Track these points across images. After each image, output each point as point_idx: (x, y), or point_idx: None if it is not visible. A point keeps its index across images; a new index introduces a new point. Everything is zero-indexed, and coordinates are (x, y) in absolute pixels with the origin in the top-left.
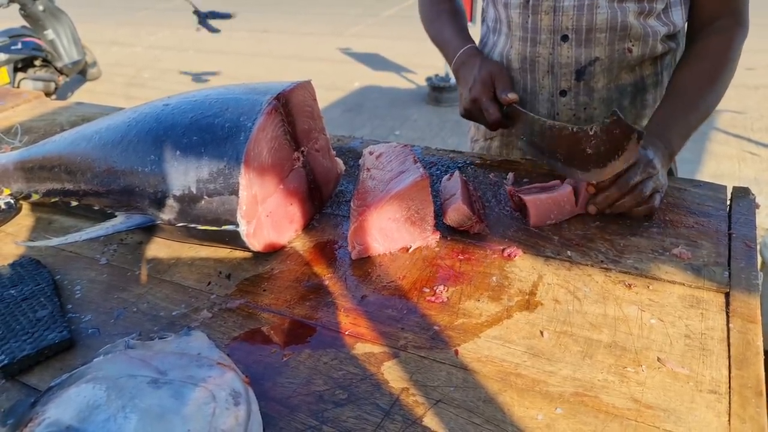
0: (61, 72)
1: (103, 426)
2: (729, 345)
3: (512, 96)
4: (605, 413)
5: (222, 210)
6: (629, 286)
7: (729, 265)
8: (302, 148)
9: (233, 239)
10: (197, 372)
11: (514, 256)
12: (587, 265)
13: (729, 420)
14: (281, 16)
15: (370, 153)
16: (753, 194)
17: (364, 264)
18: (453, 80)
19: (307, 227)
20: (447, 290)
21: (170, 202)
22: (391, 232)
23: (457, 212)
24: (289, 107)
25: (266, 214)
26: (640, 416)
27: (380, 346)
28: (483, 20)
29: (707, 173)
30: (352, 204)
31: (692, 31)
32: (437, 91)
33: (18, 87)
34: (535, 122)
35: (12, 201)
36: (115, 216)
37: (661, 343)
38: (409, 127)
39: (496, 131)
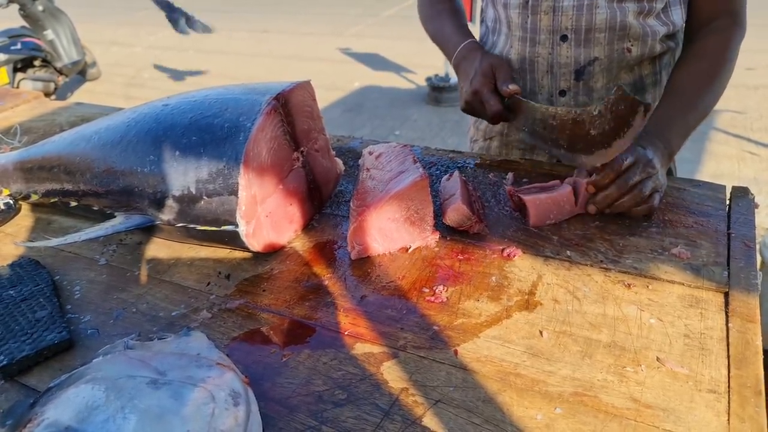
0: (60, 72)
1: (102, 426)
2: (728, 344)
3: (513, 87)
4: (604, 413)
5: (221, 210)
6: (628, 285)
7: (728, 264)
8: (302, 149)
9: (233, 239)
10: (196, 372)
11: (514, 256)
12: (587, 264)
13: (728, 419)
14: (281, 16)
15: (370, 153)
16: (752, 194)
17: (363, 264)
18: (453, 80)
19: (307, 227)
20: (446, 290)
21: (169, 202)
22: (390, 232)
23: (456, 212)
24: (289, 107)
25: (266, 214)
26: (639, 416)
27: (380, 346)
28: (482, 20)
29: (707, 173)
30: (351, 204)
31: (690, 31)
32: (437, 91)
33: (17, 87)
34: (536, 110)
35: (11, 201)
36: (115, 216)
37: (661, 342)
38: (409, 127)
39: (495, 132)
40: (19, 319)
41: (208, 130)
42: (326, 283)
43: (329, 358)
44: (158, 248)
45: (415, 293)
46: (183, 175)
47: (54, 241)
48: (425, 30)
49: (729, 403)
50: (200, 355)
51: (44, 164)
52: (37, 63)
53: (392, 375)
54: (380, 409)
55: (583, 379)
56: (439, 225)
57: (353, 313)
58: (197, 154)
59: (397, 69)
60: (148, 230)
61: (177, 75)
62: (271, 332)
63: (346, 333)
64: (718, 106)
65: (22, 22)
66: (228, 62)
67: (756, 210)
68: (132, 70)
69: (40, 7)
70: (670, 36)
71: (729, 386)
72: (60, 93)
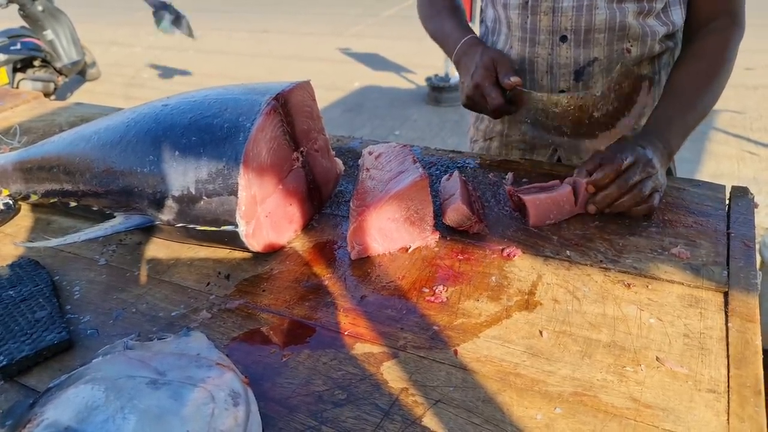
0: (60, 72)
1: (101, 427)
2: (728, 344)
3: (515, 79)
4: (604, 413)
5: (221, 210)
6: (628, 285)
7: (728, 264)
8: (301, 149)
9: (232, 240)
10: (196, 372)
11: (514, 255)
12: (586, 264)
13: (728, 419)
14: (281, 16)
15: (370, 153)
16: (751, 194)
17: (363, 264)
18: (453, 80)
19: (307, 227)
20: (446, 290)
21: (169, 202)
22: (390, 232)
23: (456, 212)
24: (288, 107)
25: (265, 214)
26: (639, 415)
27: (379, 346)
28: (482, 20)
29: (707, 173)
30: (351, 204)
31: (689, 32)
32: (437, 91)
33: (17, 87)
34: (539, 100)
35: (11, 202)
36: (114, 216)
37: (660, 342)
38: (409, 127)
39: (495, 133)
40: (18, 319)
41: (207, 131)
42: (326, 283)
43: (329, 358)
44: (158, 248)
45: (414, 293)
46: (182, 176)
47: (53, 242)
48: (425, 29)
49: (728, 402)
50: (200, 356)
51: (44, 164)
52: (36, 63)
53: (392, 375)
54: (380, 409)
55: (582, 378)
56: (439, 225)
57: (353, 313)
58: (197, 154)
59: (397, 69)
60: (148, 230)
61: (177, 75)
62: (271, 332)
63: (346, 333)
64: (718, 106)
65: (22, 22)
66: (228, 62)
67: (755, 210)
68: (131, 70)
69: (40, 7)
70: (669, 36)
71: (728, 386)
72: (59, 93)
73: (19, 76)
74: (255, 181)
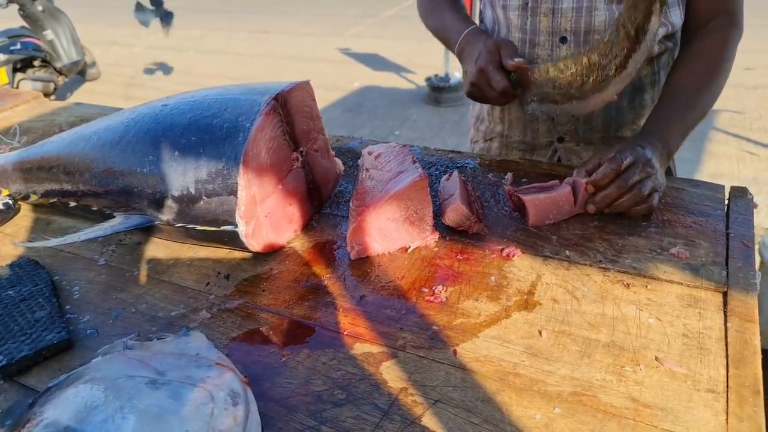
0: (60, 72)
1: (101, 426)
2: (727, 344)
3: (518, 60)
4: (603, 412)
5: (221, 210)
6: (627, 285)
7: (727, 264)
8: (301, 149)
9: (232, 240)
10: (196, 372)
11: (513, 255)
12: (586, 264)
13: (726, 419)
14: (281, 16)
15: (369, 153)
16: (750, 194)
17: (362, 264)
18: (453, 80)
19: (306, 227)
20: (446, 290)
21: (169, 202)
22: (389, 232)
23: (455, 212)
24: (288, 107)
25: (265, 214)
26: (638, 415)
27: (379, 346)
28: (481, 21)
29: (706, 173)
30: (351, 204)
31: (688, 32)
32: (437, 91)
33: (17, 87)
34: (545, 70)
35: (10, 202)
36: (114, 216)
37: (659, 342)
38: (409, 127)
39: (495, 134)
40: (18, 319)
41: (207, 131)
42: (325, 283)
43: (328, 358)
44: (157, 248)
45: (414, 293)
46: (182, 176)
47: (53, 242)
48: (426, 25)
49: (727, 402)
50: (199, 355)
51: (43, 164)
52: (36, 63)
53: (391, 375)
54: (379, 409)
55: (581, 378)
56: (439, 225)
57: (352, 313)
58: (196, 154)
59: (397, 69)
60: (148, 230)
61: (176, 75)
62: (271, 332)
63: (345, 333)
64: (717, 106)
65: (22, 22)
66: (228, 62)
67: (755, 210)
68: (131, 71)
69: (40, 7)
70: (668, 36)
71: (727, 386)
72: (59, 93)
73: (19, 76)
74: (254, 181)
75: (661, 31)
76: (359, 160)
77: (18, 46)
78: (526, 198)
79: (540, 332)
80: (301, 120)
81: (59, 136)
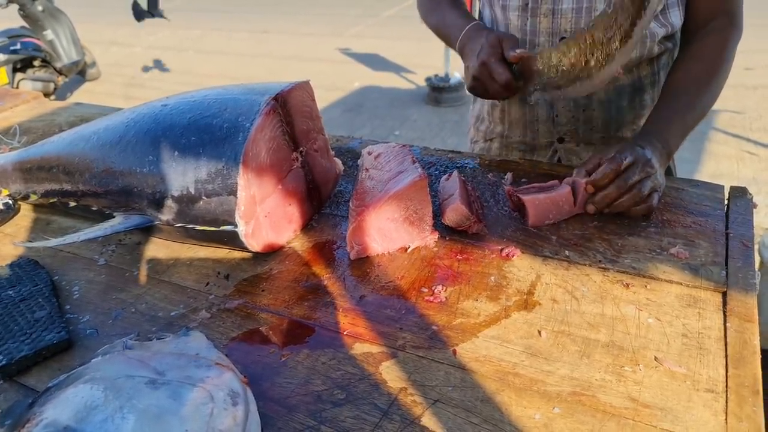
0: (60, 72)
1: (100, 426)
2: (726, 344)
3: (520, 51)
4: (603, 412)
5: (220, 210)
6: (627, 285)
7: (726, 264)
8: (301, 149)
9: (232, 240)
10: (195, 372)
11: (513, 255)
12: (585, 264)
13: (726, 419)
14: (281, 16)
15: (369, 153)
16: (750, 194)
17: (362, 264)
18: (453, 80)
19: (306, 227)
20: (445, 290)
21: (169, 202)
22: (389, 232)
23: (455, 212)
24: (288, 107)
25: (265, 214)
26: (637, 415)
27: (378, 346)
28: (480, 19)
29: (706, 173)
30: (350, 204)
31: (688, 33)
32: (437, 91)
33: (17, 87)
34: (548, 55)
35: (10, 202)
36: (114, 216)
37: (659, 342)
38: (409, 127)
39: (495, 134)
40: (18, 319)
41: (207, 131)
42: (325, 283)
43: (328, 357)
44: (157, 248)
45: (413, 293)
46: (182, 176)
47: (53, 242)
48: (426, 23)
49: (726, 402)
50: (199, 355)
51: (43, 164)
52: (36, 63)
53: (391, 375)
54: (379, 409)
55: (581, 378)
56: (438, 225)
57: (352, 313)
58: (196, 154)
59: (397, 69)
60: (147, 230)
61: (176, 75)
62: (270, 332)
63: (345, 333)
64: (717, 106)
65: (22, 22)
66: (228, 62)
67: (755, 210)
68: (131, 71)
69: (40, 7)
70: (668, 37)
71: (727, 386)
72: (59, 93)
73: (19, 76)
74: (254, 181)
75: (661, 32)
76: (359, 160)
77: (18, 46)
78: (526, 198)
79: (539, 332)
80: (301, 120)
81: (59, 136)
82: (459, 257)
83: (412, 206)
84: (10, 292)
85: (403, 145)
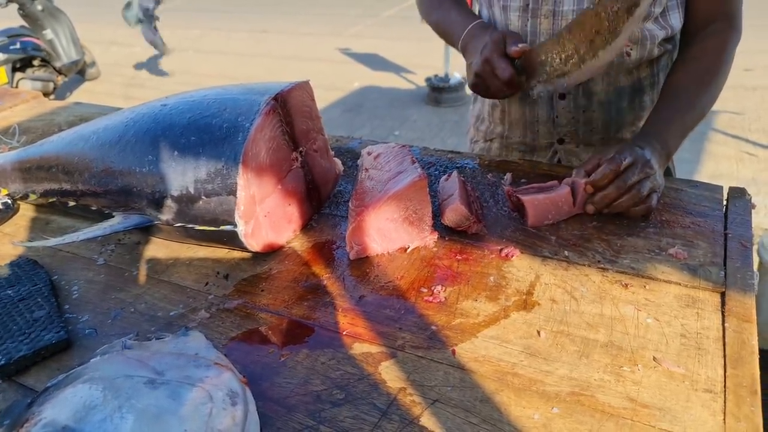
0: (59, 72)
1: (99, 426)
2: (724, 344)
3: (522, 45)
4: (601, 412)
5: (220, 210)
6: (626, 285)
7: (725, 264)
8: (300, 149)
9: (231, 239)
10: (194, 372)
11: (512, 256)
12: (584, 265)
13: (724, 419)
14: (281, 16)
15: (369, 153)
16: (749, 194)
17: (362, 264)
18: (453, 81)
19: (306, 227)
20: (444, 290)
21: (168, 202)
22: (389, 233)
23: (454, 212)
24: (288, 107)
25: (264, 214)
26: (636, 415)
27: (378, 346)
28: None
29: (706, 174)
30: (350, 204)
31: (687, 34)
32: (437, 91)
33: (16, 87)
34: (549, 43)
35: (9, 201)
36: (113, 216)
37: (657, 342)
38: (409, 127)
39: (495, 134)
40: (17, 318)
41: (206, 130)
42: (325, 283)
43: (327, 357)
44: (157, 248)
45: (413, 293)
46: (181, 175)
47: (52, 241)
48: (427, 21)
49: (725, 402)
50: (198, 355)
51: (43, 164)
52: (36, 63)
53: (390, 375)
54: (378, 409)
55: (580, 378)
56: (438, 225)
57: (351, 313)
58: (196, 154)
59: (397, 69)
60: (147, 230)
61: (176, 75)
62: (270, 332)
63: (344, 333)
64: (717, 106)
65: (22, 22)
66: (227, 62)
67: (754, 210)
68: (131, 70)
69: (40, 7)
70: (667, 39)
71: (725, 386)
72: (59, 93)
73: (18, 75)
74: (254, 180)
75: (661, 34)
76: (358, 161)
77: (17, 46)
78: (525, 198)
79: (538, 332)
80: (301, 120)
81: (58, 136)
82: (458, 257)
83: (412, 206)
84: (9, 292)
85: (403, 146)
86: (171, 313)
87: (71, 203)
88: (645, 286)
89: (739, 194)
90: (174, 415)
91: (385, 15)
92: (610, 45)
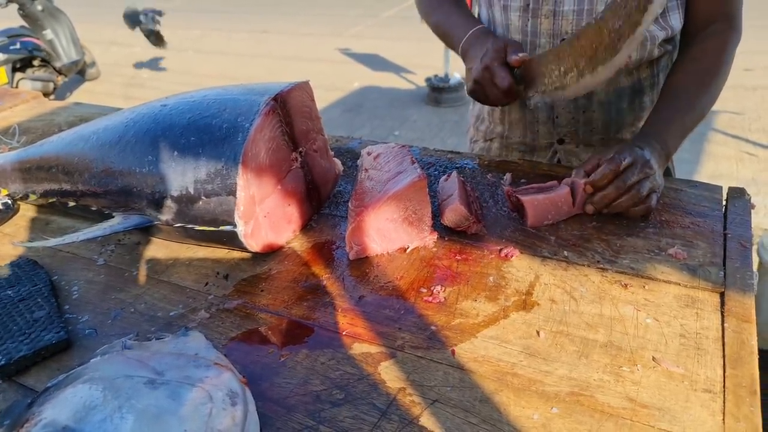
0: (59, 72)
1: (99, 426)
2: (724, 344)
3: (522, 55)
4: (601, 412)
5: (220, 210)
6: (625, 286)
7: (724, 265)
8: (300, 149)
9: (231, 240)
10: (194, 372)
11: (511, 256)
12: (584, 265)
13: (723, 419)
14: (281, 17)
15: (368, 154)
16: (748, 194)
17: (361, 264)
18: (452, 81)
19: (305, 228)
20: (444, 290)
21: (168, 202)
22: (388, 233)
23: (454, 213)
24: (287, 108)
25: (264, 214)
26: (635, 415)
27: (377, 346)
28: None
29: (705, 174)
30: (349, 204)
31: (687, 35)
32: (437, 91)
33: (16, 87)
34: (548, 54)
35: (9, 201)
36: (113, 216)
37: (657, 342)
38: (409, 127)
39: (495, 134)
40: (17, 319)
41: (206, 131)
42: (324, 283)
43: (327, 358)
44: (156, 248)
45: (412, 293)
46: (181, 176)
47: (52, 241)
48: (427, 22)
49: (724, 402)
50: (198, 355)
51: (42, 164)
52: (36, 63)
53: (390, 375)
54: (377, 409)
55: (579, 378)
56: (437, 225)
57: (351, 313)
58: (195, 154)
59: (397, 69)
60: (147, 230)
61: (176, 75)
62: (269, 332)
63: (344, 333)
64: (716, 107)
65: (22, 22)
66: (227, 62)
67: (754, 210)
68: (131, 70)
69: (40, 7)
70: (668, 40)
71: (724, 386)
72: (59, 93)
73: (18, 75)
74: (253, 181)
75: (661, 35)
76: (358, 161)
77: (17, 46)
78: (525, 198)
79: (538, 332)
80: (301, 120)
81: (58, 136)
82: (458, 257)
83: (411, 207)
84: (9, 292)
85: (403, 146)
86: (171, 314)
87: (71, 203)
88: (644, 286)
89: (738, 194)
90: (174, 415)
91: (385, 15)
92: (609, 61)
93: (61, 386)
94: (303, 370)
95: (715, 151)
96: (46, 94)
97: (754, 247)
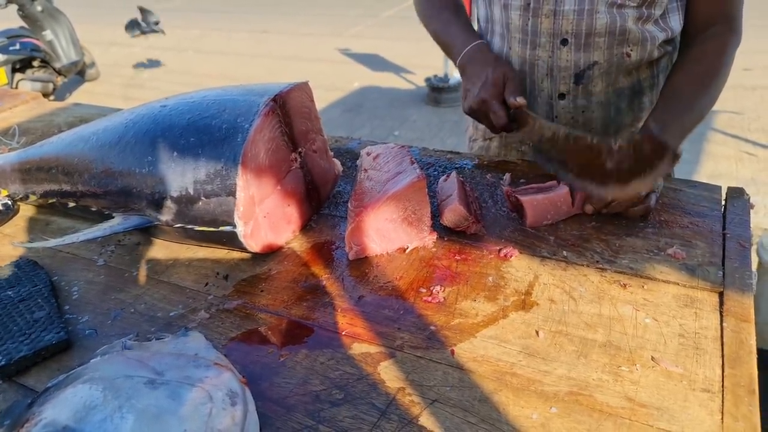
0: (59, 73)
1: (99, 426)
2: (722, 344)
3: (520, 100)
4: (600, 412)
5: (219, 211)
6: (624, 285)
7: (723, 264)
8: (300, 149)
9: (231, 240)
10: (194, 372)
11: (511, 256)
12: (583, 265)
13: (722, 418)
14: (281, 17)
15: (368, 154)
16: (747, 194)
17: (361, 264)
18: (452, 81)
19: (305, 228)
20: (443, 290)
21: (168, 203)
22: (388, 233)
23: (453, 213)
24: (287, 108)
25: (264, 215)
26: (634, 415)
27: (377, 346)
28: (477, 19)
29: (705, 174)
30: (349, 205)
31: (687, 36)
32: (436, 91)
33: (16, 88)
34: (546, 128)
35: (9, 202)
36: (113, 217)
37: (656, 342)
38: (408, 127)
39: (494, 134)
40: (17, 319)
41: (206, 131)
42: (324, 283)
43: (326, 358)
44: (156, 249)
45: (412, 293)
46: (181, 176)
47: (52, 242)
48: (426, 29)
49: (723, 402)
50: (198, 356)
51: (42, 165)
52: (35, 63)
53: (389, 375)
54: (377, 409)
55: (578, 378)
56: (437, 225)
57: (351, 313)
58: (195, 155)
59: (397, 69)
60: (147, 231)
61: (176, 75)
62: (269, 332)
63: (343, 333)
64: (716, 107)
65: (21, 23)
66: (227, 63)
67: (753, 210)
68: (131, 71)
69: (39, 8)
70: (668, 41)
71: (723, 385)
72: (58, 94)
73: (18, 76)
74: (253, 181)
75: (661, 36)
76: (358, 161)
77: (17, 47)
78: (524, 199)
79: (537, 332)
80: (300, 121)
81: (58, 137)
82: (457, 258)
83: (411, 207)
84: (10, 293)
85: (402, 146)
86: (171, 314)
87: (71, 204)
88: (643, 286)
89: (737, 194)
90: (174, 415)
91: (385, 15)
92: (595, 185)
93: (62, 386)
94: (302, 370)
95: (714, 150)
96: (45, 95)
97: (753, 247)
